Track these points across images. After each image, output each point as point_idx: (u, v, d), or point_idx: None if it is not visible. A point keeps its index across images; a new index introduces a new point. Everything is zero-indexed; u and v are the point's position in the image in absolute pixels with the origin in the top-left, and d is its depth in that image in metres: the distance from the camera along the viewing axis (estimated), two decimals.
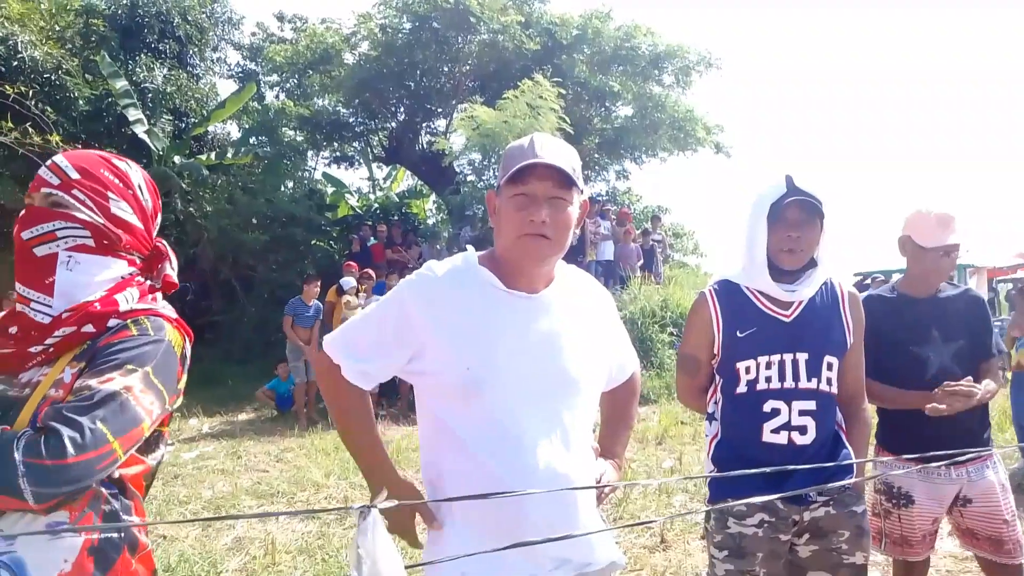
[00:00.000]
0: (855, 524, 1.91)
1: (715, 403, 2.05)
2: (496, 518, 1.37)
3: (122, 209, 1.30)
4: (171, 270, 1.39)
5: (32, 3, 12.39)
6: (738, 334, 1.96)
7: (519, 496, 1.28)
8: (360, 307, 8.89)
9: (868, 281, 11.99)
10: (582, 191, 1.47)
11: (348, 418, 1.56)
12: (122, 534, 1.19)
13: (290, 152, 15.86)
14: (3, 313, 1.27)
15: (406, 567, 0.95)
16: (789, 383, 1.90)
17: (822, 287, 1.98)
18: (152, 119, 12.78)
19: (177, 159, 12.71)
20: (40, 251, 1.23)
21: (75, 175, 1.26)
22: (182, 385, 1.30)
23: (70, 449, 1.04)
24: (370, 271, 9.82)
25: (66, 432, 1.04)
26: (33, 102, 10.15)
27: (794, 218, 1.88)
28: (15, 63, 10.87)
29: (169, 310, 1.32)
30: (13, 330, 1.21)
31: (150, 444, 1.27)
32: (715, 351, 2.00)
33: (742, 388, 1.94)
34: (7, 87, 9.58)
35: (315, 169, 18.37)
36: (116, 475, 1.18)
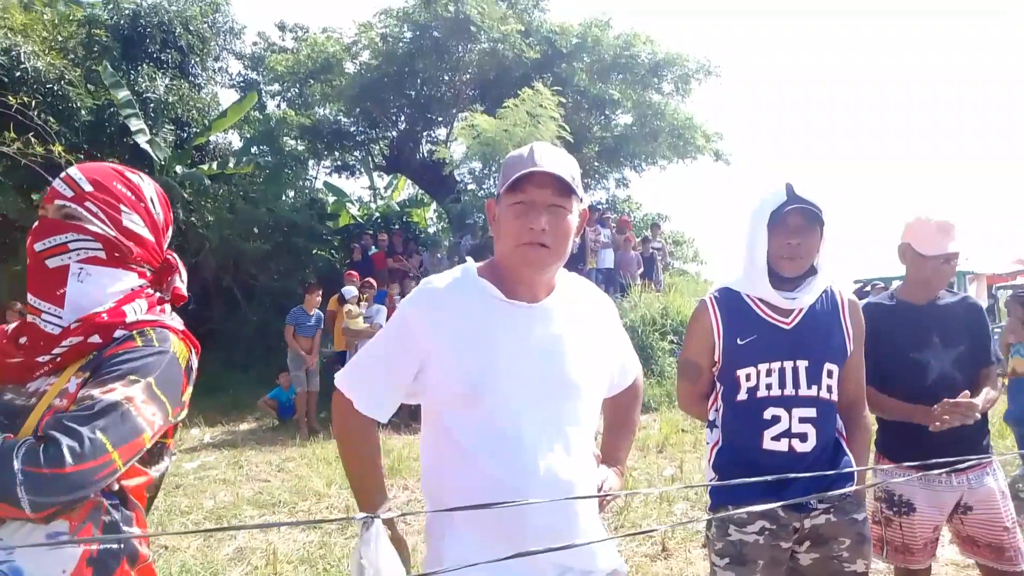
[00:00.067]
0: (856, 531, 1.91)
1: (716, 410, 2.06)
2: (497, 525, 1.38)
3: (134, 222, 1.31)
4: (181, 282, 1.40)
5: (35, 13, 12.46)
6: (739, 341, 1.96)
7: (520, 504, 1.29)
8: (361, 315, 8.90)
9: (868, 288, 11.99)
10: (581, 200, 1.48)
11: (355, 462, 1.54)
12: (122, 545, 1.19)
13: (291, 161, 15.88)
14: (15, 324, 1.28)
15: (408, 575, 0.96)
16: (789, 390, 1.91)
17: (822, 294, 1.99)
18: (154, 129, 12.81)
19: (179, 169, 12.73)
20: (52, 263, 1.24)
21: (88, 187, 1.27)
22: (187, 397, 1.30)
23: (68, 458, 1.03)
24: (371, 280, 9.82)
25: (65, 441, 1.04)
26: (36, 112, 10.18)
27: (794, 225, 1.89)
28: (18, 73, 10.90)
29: (176, 322, 1.33)
30: (23, 340, 1.22)
31: (153, 456, 1.27)
32: (716, 358, 2.01)
33: (743, 395, 1.95)
34: (10, 97, 9.63)
35: (316, 178, 18.41)
36: (117, 486, 1.18)
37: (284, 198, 15.01)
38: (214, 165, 14.05)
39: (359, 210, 18.18)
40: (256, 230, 13.39)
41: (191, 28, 14.67)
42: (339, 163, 17.61)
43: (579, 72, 14.66)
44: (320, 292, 9.02)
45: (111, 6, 13.88)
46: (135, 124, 12.12)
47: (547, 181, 1.40)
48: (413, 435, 7.41)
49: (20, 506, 1.01)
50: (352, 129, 16.50)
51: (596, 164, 16.45)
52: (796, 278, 1.93)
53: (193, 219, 12.16)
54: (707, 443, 2.10)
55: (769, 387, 1.92)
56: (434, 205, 17.92)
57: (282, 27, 18.14)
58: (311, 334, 8.70)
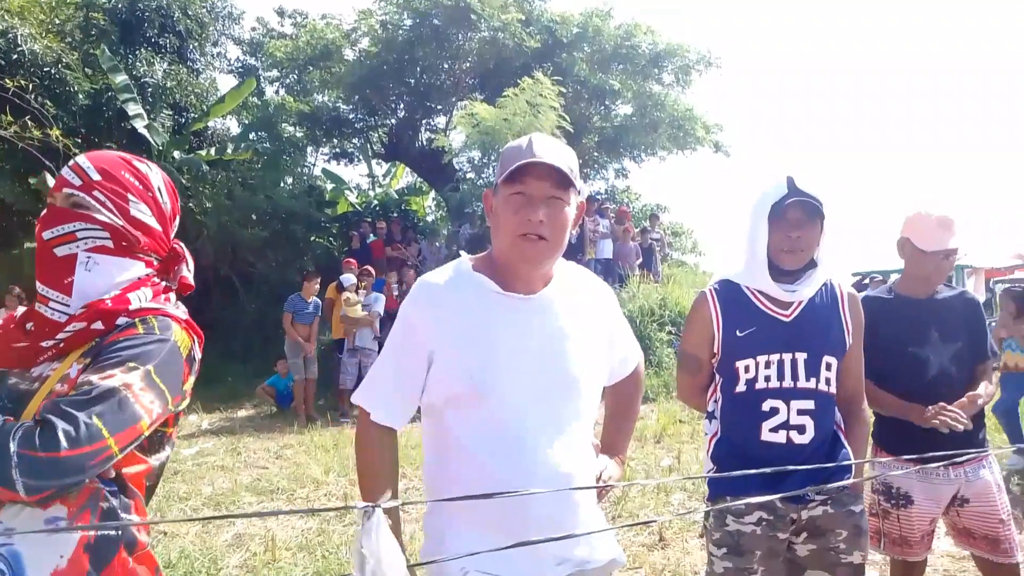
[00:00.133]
0: (853, 523, 1.92)
1: (715, 402, 2.07)
2: (498, 515, 1.38)
3: (141, 211, 1.31)
4: (187, 272, 1.41)
5: None
6: (738, 333, 1.97)
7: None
8: (360, 303, 8.90)
9: (866, 281, 12.01)
10: (579, 191, 1.47)
11: (368, 478, 1.53)
12: (120, 532, 1.19)
13: (290, 148, 15.81)
14: (23, 309, 1.28)
15: (409, 565, 0.96)
16: (788, 382, 1.91)
17: (822, 288, 1.99)
18: (152, 114, 12.74)
19: (177, 154, 12.67)
20: (60, 251, 1.25)
21: (96, 176, 1.28)
22: (188, 386, 1.30)
23: (63, 442, 1.04)
24: (369, 268, 9.81)
25: (61, 425, 1.05)
26: (33, 96, 10.13)
27: (795, 218, 1.88)
28: (15, 56, 10.83)
29: (180, 311, 1.33)
30: (30, 326, 1.23)
31: (153, 444, 1.27)
32: (715, 350, 2.01)
33: (741, 387, 1.96)
34: (7, 81, 9.57)
35: (315, 165, 18.32)
36: (115, 473, 1.18)
37: (282, 185, 14.95)
38: (212, 151, 13.98)
39: (357, 198, 18.09)
40: (254, 217, 13.34)
41: (190, 13, 14.58)
42: (337, 150, 17.54)
43: (579, 62, 14.59)
44: (318, 280, 9.00)
45: None
46: (133, 109, 12.06)
47: (546, 173, 1.39)
48: (411, 424, 7.41)
49: (15, 488, 1.01)
50: (351, 116, 16.44)
51: (595, 154, 16.41)
52: (796, 271, 1.94)
53: (191, 205, 12.11)
54: (705, 434, 2.11)
55: (768, 379, 1.92)
56: (433, 193, 17.86)
57: (281, 13, 18.02)
58: (309, 322, 8.69)
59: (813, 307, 1.97)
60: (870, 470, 2.46)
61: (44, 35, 11.66)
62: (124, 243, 1.29)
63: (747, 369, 1.94)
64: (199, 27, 14.93)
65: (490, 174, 12.39)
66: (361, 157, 17.94)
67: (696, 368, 2.08)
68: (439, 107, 16.17)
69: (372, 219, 14.39)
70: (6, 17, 11.06)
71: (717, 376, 2.05)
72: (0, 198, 11.49)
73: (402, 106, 16.23)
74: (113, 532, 1.18)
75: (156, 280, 1.35)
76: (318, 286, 8.94)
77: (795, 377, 1.91)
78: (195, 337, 1.32)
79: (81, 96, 11.91)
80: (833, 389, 1.95)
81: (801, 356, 1.92)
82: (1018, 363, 5.72)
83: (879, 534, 2.43)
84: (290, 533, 4.26)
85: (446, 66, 15.10)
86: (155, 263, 1.36)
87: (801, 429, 1.91)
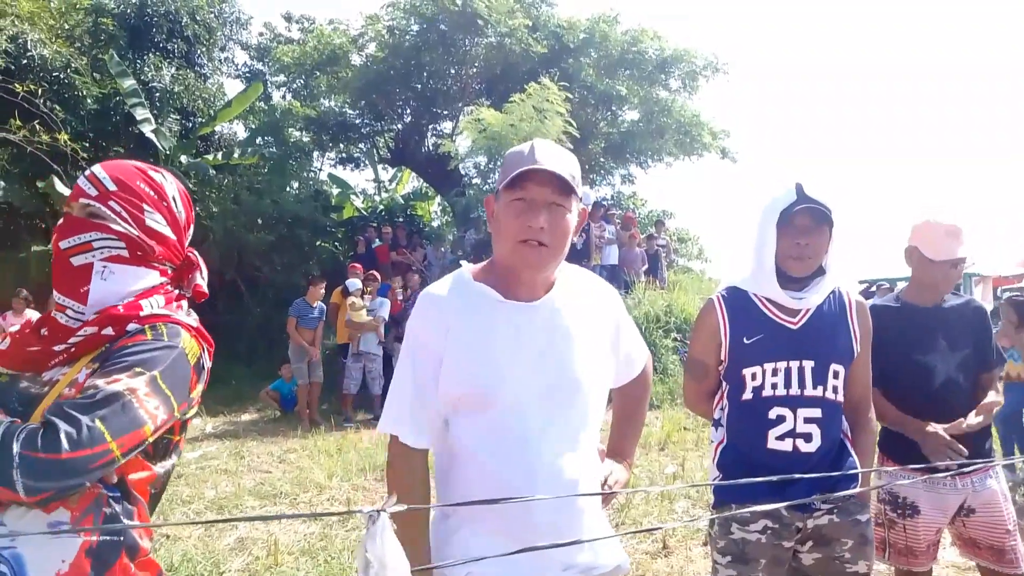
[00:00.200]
0: (859, 532, 1.91)
1: (721, 409, 2.06)
2: (502, 521, 1.38)
3: (156, 221, 1.32)
4: (201, 280, 1.42)
5: (42, 1, 12.45)
6: (745, 340, 1.96)
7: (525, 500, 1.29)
8: (365, 308, 8.90)
9: (873, 289, 11.96)
10: (581, 198, 1.47)
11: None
12: (121, 537, 1.19)
13: (296, 153, 15.89)
14: (30, 312, 1.30)
15: (413, 570, 0.95)
16: (795, 390, 1.91)
17: (830, 295, 1.98)
18: (159, 118, 12.83)
19: (184, 159, 12.75)
20: (77, 261, 1.26)
21: (112, 187, 1.29)
22: (196, 394, 1.29)
23: (65, 444, 1.04)
24: (375, 273, 9.82)
25: (63, 427, 1.05)
26: (42, 100, 10.19)
27: (803, 225, 1.88)
28: (24, 61, 10.92)
29: (191, 319, 1.34)
30: (44, 332, 1.25)
31: (159, 451, 1.27)
32: (722, 357, 2.01)
33: (748, 394, 1.95)
34: (16, 85, 9.63)
35: (321, 170, 18.40)
36: (117, 478, 1.18)
37: (288, 189, 15.00)
38: (219, 155, 14.06)
39: (363, 203, 18.13)
40: (260, 221, 13.40)
41: (197, 18, 14.68)
42: (344, 155, 17.62)
43: (586, 67, 14.62)
44: (324, 284, 9.01)
45: None
46: (140, 113, 12.14)
47: (547, 179, 1.39)
48: None
49: (15, 489, 1.02)
50: (357, 121, 16.49)
51: (602, 160, 16.43)
52: (804, 278, 1.93)
53: (197, 210, 12.09)
54: (711, 441, 2.10)
55: (775, 387, 1.92)
56: (438, 199, 17.89)
57: (288, 18, 18.15)
58: (313, 326, 8.70)
59: (821, 315, 1.96)
60: (876, 479, 2.44)
61: (53, 40, 11.76)
62: (139, 252, 1.30)
63: (754, 376, 1.93)
64: (207, 32, 15.03)
65: (496, 180, 12.37)
66: (367, 162, 18.01)
67: (703, 375, 2.07)
68: (445, 112, 16.22)
69: (378, 224, 14.41)
70: (16, 22, 11.15)
71: (724, 383, 2.04)
72: (8, 202, 11.57)
73: (408, 111, 16.29)
74: (115, 537, 1.18)
75: (169, 288, 1.36)
76: (323, 290, 8.94)
77: (802, 385, 1.91)
78: (205, 345, 1.32)
79: (89, 100, 11.99)
80: (840, 397, 1.94)
81: (808, 364, 1.91)
82: (1020, 373, 5.69)
83: (884, 544, 2.41)
84: (293, 537, 4.26)
85: (453, 71, 15.16)
86: (169, 271, 1.37)
87: (808, 437, 1.90)
